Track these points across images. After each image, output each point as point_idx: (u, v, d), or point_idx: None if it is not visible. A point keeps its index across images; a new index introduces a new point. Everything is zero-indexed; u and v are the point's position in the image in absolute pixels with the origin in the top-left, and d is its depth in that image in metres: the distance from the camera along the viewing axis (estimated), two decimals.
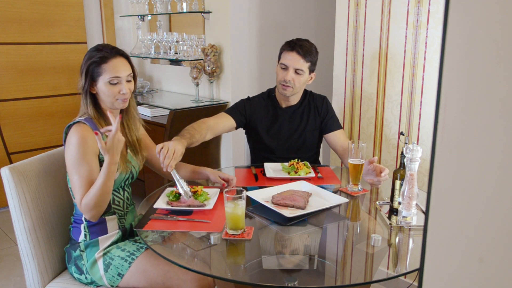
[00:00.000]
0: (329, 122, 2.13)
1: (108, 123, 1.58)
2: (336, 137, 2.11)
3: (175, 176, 1.59)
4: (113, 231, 1.59)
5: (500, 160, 0.45)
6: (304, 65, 1.98)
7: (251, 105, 2.13)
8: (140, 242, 1.61)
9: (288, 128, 2.13)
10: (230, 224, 1.39)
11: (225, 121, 2.05)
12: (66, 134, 1.56)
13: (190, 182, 1.80)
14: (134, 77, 1.64)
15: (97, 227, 1.57)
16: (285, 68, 2.00)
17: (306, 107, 2.14)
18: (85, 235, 1.57)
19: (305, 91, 2.17)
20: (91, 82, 1.56)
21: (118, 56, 1.57)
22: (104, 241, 1.57)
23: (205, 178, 1.84)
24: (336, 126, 2.14)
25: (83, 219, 1.58)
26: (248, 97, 2.19)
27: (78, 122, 1.55)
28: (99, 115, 1.60)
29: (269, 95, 2.16)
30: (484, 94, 0.45)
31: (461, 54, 0.46)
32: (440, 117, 0.47)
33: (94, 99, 1.60)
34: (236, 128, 2.12)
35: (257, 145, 2.17)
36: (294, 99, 2.12)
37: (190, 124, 1.93)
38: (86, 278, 1.57)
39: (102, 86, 1.56)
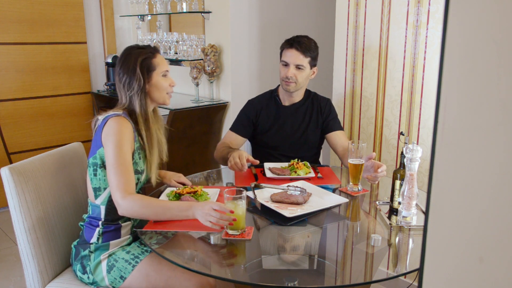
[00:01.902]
0: (331, 122, 2.15)
1: (148, 128, 1.56)
2: (337, 137, 2.13)
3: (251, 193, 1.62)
4: (126, 236, 1.59)
5: (500, 160, 0.45)
6: (304, 61, 2.03)
7: (253, 107, 2.18)
8: (145, 245, 1.60)
9: (290, 124, 2.16)
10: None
11: (235, 139, 2.17)
12: (101, 127, 1.51)
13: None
14: None
15: (112, 233, 1.56)
16: (286, 65, 2.05)
17: (309, 106, 2.18)
18: (98, 238, 1.55)
19: (309, 91, 2.20)
20: (146, 79, 1.56)
21: (158, 52, 1.63)
22: (115, 245, 1.56)
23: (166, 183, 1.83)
24: (338, 127, 2.16)
25: (100, 223, 1.55)
26: (248, 101, 2.22)
27: (117, 115, 1.52)
28: (146, 116, 1.58)
29: (271, 95, 2.21)
30: (484, 94, 0.45)
31: (461, 54, 0.46)
32: (440, 117, 0.47)
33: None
34: (248, 138, 2.22)
35: (260, 142, 2.19)
36: (297, 96, 2.15)
37: (219, 150, 2.11)
38: (88, 278, 1.56)
39: (157, 79, 1.58)
